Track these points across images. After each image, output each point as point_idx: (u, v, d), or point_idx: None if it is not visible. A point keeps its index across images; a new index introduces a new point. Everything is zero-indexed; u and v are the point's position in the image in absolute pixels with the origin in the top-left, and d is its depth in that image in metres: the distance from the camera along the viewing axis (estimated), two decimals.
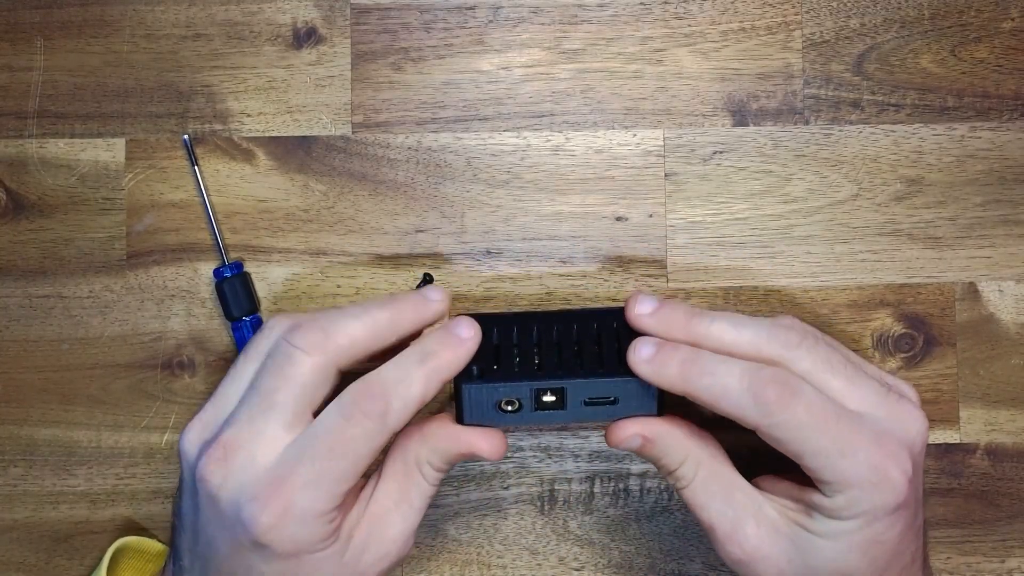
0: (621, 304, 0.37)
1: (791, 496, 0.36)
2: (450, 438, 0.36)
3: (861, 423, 0.34)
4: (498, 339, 0.36)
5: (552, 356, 0.36)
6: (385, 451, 0.36)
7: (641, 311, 0.35)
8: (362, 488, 0.36)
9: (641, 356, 0.34)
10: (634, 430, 0.36)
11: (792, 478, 0.36)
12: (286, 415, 0.33)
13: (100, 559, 0.41)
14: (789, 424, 0.33)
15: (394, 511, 0.35)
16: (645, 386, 0.35)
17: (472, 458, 0.36)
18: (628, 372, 0.35)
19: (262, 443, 0.33)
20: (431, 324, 0.36)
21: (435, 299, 0.36)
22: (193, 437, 0.35)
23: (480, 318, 0.36)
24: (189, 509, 0.35)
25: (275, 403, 0.33)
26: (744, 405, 0.33)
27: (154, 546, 0.43)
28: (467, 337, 0.35)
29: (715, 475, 0.36)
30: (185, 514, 0.35)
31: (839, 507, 0.34)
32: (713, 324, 0.35)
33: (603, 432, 0.44)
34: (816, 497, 0.35)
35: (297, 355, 0.33)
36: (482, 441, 0.36)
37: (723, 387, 0.33)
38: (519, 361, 0.36)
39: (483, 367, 0.36)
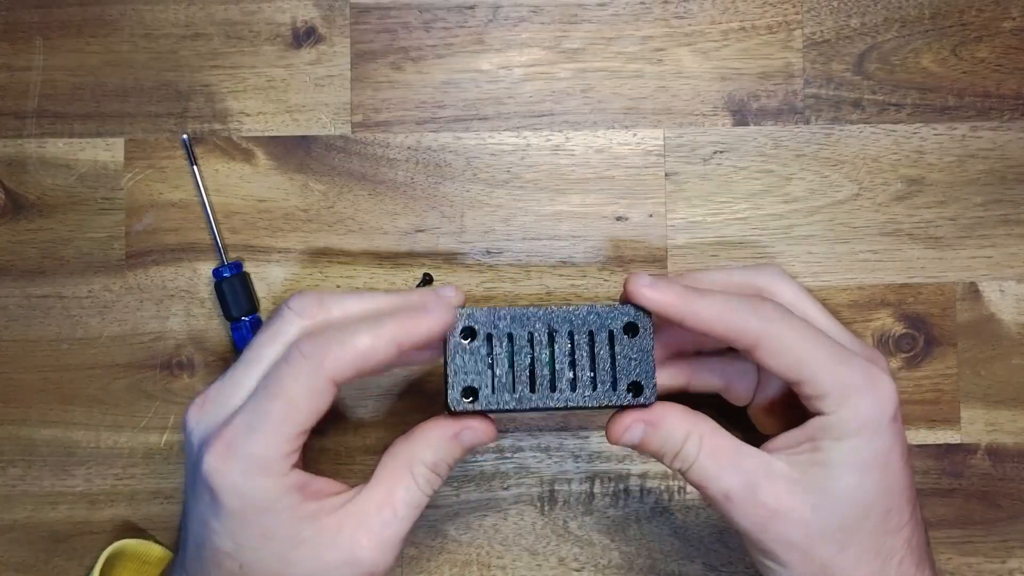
0: (614, 304, 0.37)
1: (794, 442, 0.35)
2: (441, 427, 0.35)
3: (849, 351, 0.35)
4: (490, 347, 0.36)
5: (548, 373, 0.36)
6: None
7: (641, 282, 0.35)
8: (348, 490, 0.35)
9: (642, 281, 0.35)
10: (634, 417, 0.36)
11: (788, 431, 0.36)
12: (263, 370, 0.34)
13: (94, 562, 0.41)
14: (789, 335, 0.34)
15: (374, 515, 0.34)
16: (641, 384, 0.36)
17: (465, 442, 0.35)
18: (621, 394, 0.36)
19: (236, 393, 0.34)
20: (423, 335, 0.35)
21: (448, 296, 0.35)
22: (194, 414, 0.35)
23: (477, 314, 0.36)
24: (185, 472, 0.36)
25: (258, 358, 0.34)
26: (746, 318, 0.34)
27: (152, 549, 0.43)
28: (432, 310, 0.34)
29: (719, 446, 0.35)
30: (186, 501, 0.36)
31: (844, 420, 0.34)
32: (702, 273, 0.37)
33: (604, 432, 0.44)
34: (819, 422, 0.35)
35: (288, 315, 0.34)
36: (473, 420, 0.35)
37: (724, 303, 0.34)
38: (513, 378, 0.36)
39: (473, 387, 0.35)
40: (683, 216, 0.44)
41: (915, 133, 0.44)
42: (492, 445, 0.43)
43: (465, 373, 0.35)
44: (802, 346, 0.34)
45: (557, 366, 0.36)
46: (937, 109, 0.44)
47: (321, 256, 0.44)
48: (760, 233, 0.44)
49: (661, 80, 0.44)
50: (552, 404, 0.36)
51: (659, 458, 0.36)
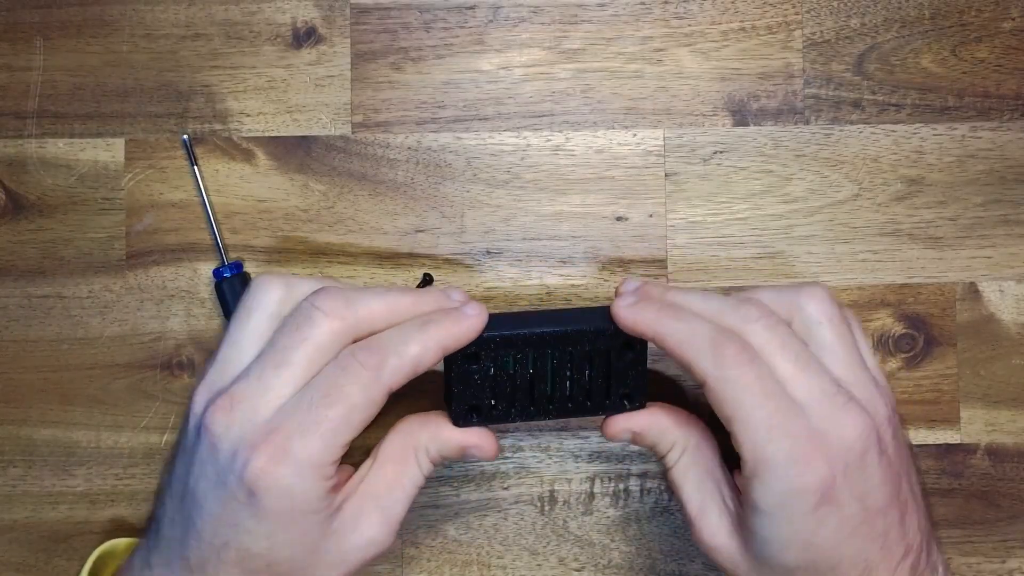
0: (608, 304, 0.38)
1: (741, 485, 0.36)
2: (452, 429, 0.37)
3: (798, 414, 0.34)
4: (492, 365, 0.37)
5: (547, 389, 0.38)
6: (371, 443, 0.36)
7: (622, 303, 0.37)
8: (356, 472, 0.37)
9: (623, 302, 0.36)
10: (624, 425, 0.38)
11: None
12: (296, 373, 0.34)
13: (83, 562, 0.41)
14: (736, 384, 0.34)
15: (385, 495, 0.36)
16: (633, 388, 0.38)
17: (468, 454, 0.37)
18: (617, 407, 0.38)
19: (268, 397, 0.34)
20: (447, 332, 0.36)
21: (457, 299, 0.37)
22: (201, 398, 0.35)
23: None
24: (182, 469, 0.35)
25: (287, 360, 0.34)
26: (702, 354, 0.34)
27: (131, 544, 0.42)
28: (472, 315, 0.36)
29: (696, 461, 0.38)
30: (176, 477, 0.35)
31: (757, 493, 0.34)
32: (686, 294, 0.37)
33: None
34: (744, 484, 0.35)
35: (317, 316, 0.34)
36: (479, 439, 0.37)
37: (689, 333, 0.35)
38: (510, 391, 0.38)
39: (476, 405, 0.37)
40: (683, 216, 0.44)
41: (915, 133, 0.44)
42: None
43: (469, 390, 0.37)
44: (743, 401, 0.34)
45: (555, 381, 0.38)
46: (937, 109, 0.44)
47: (321, 256, 0.44)
48: (760, 233, 0.44)
49: (661, 80, 0.44)
50: (551, 416, 0.38)
51: (652, 451, 0.39)
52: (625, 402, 0.38)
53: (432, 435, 0.37)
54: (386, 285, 0.40)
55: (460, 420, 0.37)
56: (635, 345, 0.37)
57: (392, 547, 0.36)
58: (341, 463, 0.35)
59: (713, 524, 0.37)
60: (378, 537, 0.35)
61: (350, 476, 0.36)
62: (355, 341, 0.35)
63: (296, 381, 0.34)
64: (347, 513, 0.35)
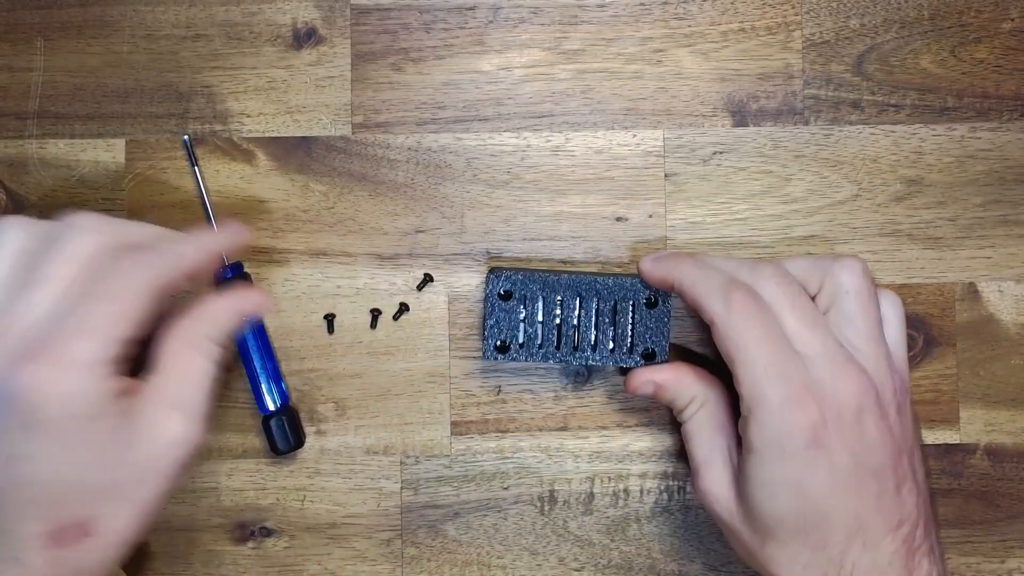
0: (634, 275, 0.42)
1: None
2: (218, 303, 0.36)
3: (797, 362, 0.36)
4: (523, 307, 0.42)
5: (572, 335, 0.42)
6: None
7: (649, 257, 0.40)
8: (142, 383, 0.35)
9: (648, 258, 0.40)
10: (647, 377, 0.41)
11: None
12: (54, 288, 0.33)
13: None
14: (741, 326, 0.36)
15: (176, 391, 0.34)
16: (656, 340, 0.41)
17: (241, 315, 0.36)
18: (637, 360, 0.42)
19: (25, 314, 0.33)
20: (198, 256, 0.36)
21: (231, 230, 0.38)
22: None
23: (515, 277, 0.41)
24: None
25: (41, 278, 0.33)
26: (713, 296, 0.37)
27: None
28: (239, 228, 0.38)
29: (710, 415, 0.40)
30: None
31: (751, 430, 0.36)
32: (709, 255, 0.40)
33: (604, 433, 0.44)
34: (742, 426, 0.37)
35: (73, 232, 0.34)
36: (241, 297, 0.37)
37: (704, 278, 0.38)
38: (537, 333, 0.42)
39: (505, 342, 0.42)
40: (683, 217, 0.44)
41: (914, 134, 0.44)
42: (491, 445, 0.44)
43: (499, 329, 0.41)
44: (747, 344, 0.36)
45: (582, 329, 0.41)
46: (936, 110, 0.44)
47: (321, 256, 0.44)
48: (760, 234, 0.44)
49: (661, 81, 0.44)
50: (573, 361, 0.42)
51: (670, 407, 0.41)
52: (644, 358, 0.41)
53: (205, 321, 0.35)
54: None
55: (487, 354, 0.41)
56: (659, 303, 0.41)
57: (199, 441, 0.34)
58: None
59: (715, 473, 0.39)
60: (180, 434, 0.33)
61: (136, 388, 0.34)
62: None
63: (56, 295, 0.33)
64: (140, 421, 0.33)
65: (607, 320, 0.41)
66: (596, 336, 0.41)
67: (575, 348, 0.42)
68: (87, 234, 0.34)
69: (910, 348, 0.44)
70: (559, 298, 0.41)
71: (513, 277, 0.41)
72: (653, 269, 0.40)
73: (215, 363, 0.35)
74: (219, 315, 0.36)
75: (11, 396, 0.31)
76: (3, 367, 0.32)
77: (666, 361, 0.41)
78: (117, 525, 0.33)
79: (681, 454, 0.44)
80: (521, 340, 0.42)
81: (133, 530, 0.33)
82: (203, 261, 0.35)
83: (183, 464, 0.34)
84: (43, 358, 0.31)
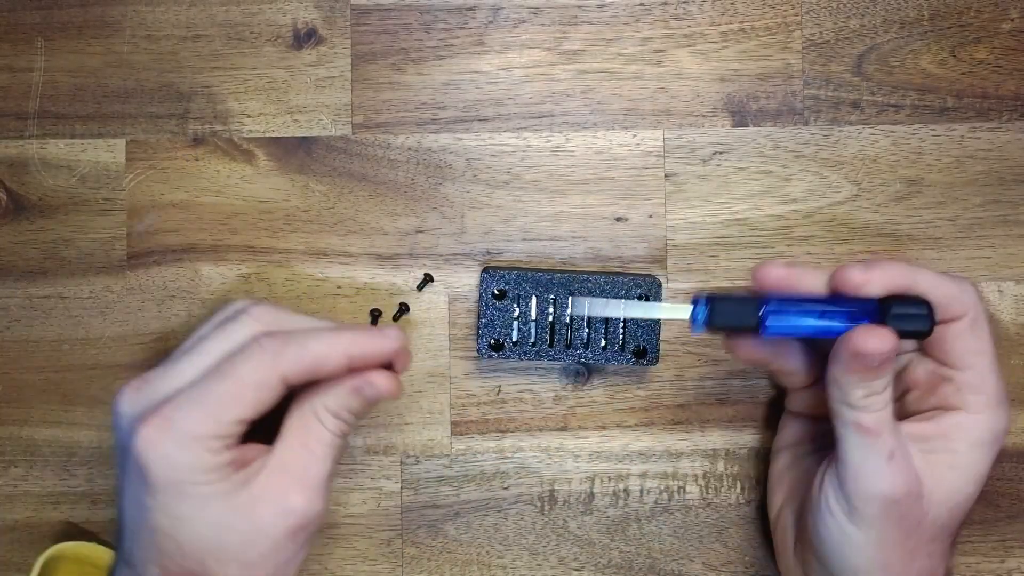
0: (630, 274, 0.39)
1: (924, 434, 0.37)
2: (342, 380, 0.36)
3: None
4: (517, 306, 0.42)
5: (565, 333, 0.42)
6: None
7: (858, 269, 0.36)
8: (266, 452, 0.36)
9: (857, 270, 0.35)
10: (890, 341, 0.34)
11: (916, 420, 0.37)
12: (205, 361, 0.35)
13: (30, 568, 0.40)
14: (984, 324, 0.37)
15: (294, 462, 0.35)
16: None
17: (365, 395, 0.36)
18: (627, 357, 0.42)
19: (173, 380, 0.35)
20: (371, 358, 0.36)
21: (391, 337, 0.36)
22: (129, 396, 0.35)
23: (508, 276, 0.42)
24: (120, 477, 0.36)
25: (201, 349, 0.35)
26: (964, 291, 0.36)
27: (97, 551, 0.42)
28: (390, 336, 0.36)
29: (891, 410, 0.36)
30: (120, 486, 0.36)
31: (984, 426, 0.36)
32: (916, 266, 0.37)
33: (604, 433, 0.44)
34: (958, 422, 0.37)
35: (243, 318, 0.36)
36: (376, 377, 0.36)
37: (940, 275, 0.36)
38: (531, 332, 0.42)
39: (499, 341, 0.42)
40: (683, 217, 0.44)
41: (914, 134, 0.44)
42: (492, 445, 0.44)
43: (493, 328, 0.42)
44: (989, 340, 0.37)
45: (575, 327, 0.42)
46: (936, 110, 0.44)
47: (322, 256, 0.44)
48: (759, 234, 0.44)
49: (661, 81, 0.44)
50: (566, 359, 0.42)
51: (853, 385, 0.35)
52: (635, 358, 0.42)
53: (326, 393, 0.36)
54: (332, 326, 0.38)
55: (482, 354, 0.42)
56: (650, 299, 0.42)
57: (320, 514, 0.35)
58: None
59: (916, 468, 0.37)
60: (296, 505, 0.34)
61: (262, 452, 0.35)
62: (289, 381, 0.35)
63: (199, 368, 0.34)
64: (256, 487, 0.34)
65: (599, 318, 0.42)
66: (589, 334, 0.42)
67: (568, 346, 0.42)
68: (252, 323, 0.35)
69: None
70: (552, 297, 0.42)
71: (507, 276, 0.42)
72: (879, 271, 0.35)
73: (339, 437, 0.36)
74: (346, 392, 0.36)
75: (132, 452, 0.33)
76: (131, 422, 0.34)
77: (655, 361, 0.42)
78: None
79: (681, 454, 0.44)
80: (515, 338, 0.42)
81: None
82: (340, 366, 0.35)
83: (300, 533, 0.35)
84: (155, 423, 0.33)
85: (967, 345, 0.36)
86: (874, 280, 0.35)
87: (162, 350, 0.44)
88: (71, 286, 0.44)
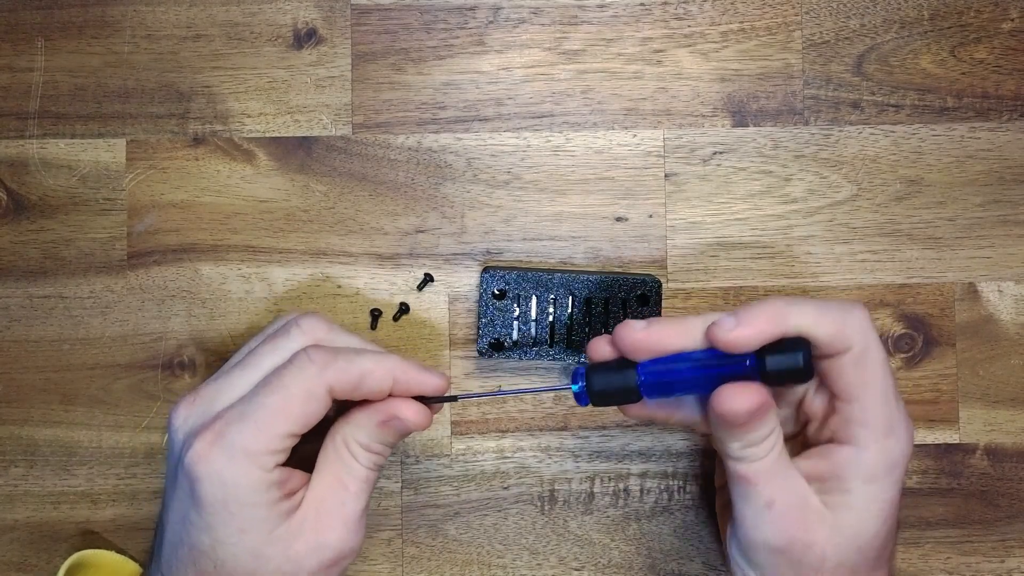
0: (630, 274, 0.42)
1: (818, 473, 0.35)
2: (372, 410, 0.35)
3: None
4: (517, 305, 0.42)
5: (565, 332, 0.42)
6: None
7: (636, 329, 0.34)
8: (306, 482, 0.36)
9: (726, 327, 0.33)
10: (754, 399, 0.33)
11: (812, 455, 0.36)
12: (257, 375, 0.35)
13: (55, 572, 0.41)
14: (873, 354, 0.34)
15: (329, 498, 0.35)
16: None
17: (396, 427, 0.35)
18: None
19: (226, 393, 0.35)
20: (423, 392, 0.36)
21: (437, 376, 0.36)
22: (183, 410, 0.35)
23: (508, 276, 0.42)
24: (170, 486, 0.36)
25: (253, 364, 0.35)
26: (848, 322, 0.34)
27: (113, 559, 0.42)
28: (435, 375, 0.36)
29: (782, 454, 0.35)
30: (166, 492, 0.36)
31: (875, 460, 0.34)
32: (794, 305, 0.35)
33: (604, 433, 0.44)
34: (848, 457, 0.35)
35: (294, 332, 0.36)
36: (405, 409, 0.35)
37: (822, 305, 0.34)
38: (530, 331, 0.42)
39: (499, 340, 0.42)
40: (683, 217, 0.44)
41: (914, 134, 0.44)
42: (492, 445, 0.44)
43: (493, 327, 0.42)
44: (876, 370, 0.34)
45: (575, 327, 0.42)
46: (936, 110, 0.44)
47: (322, 256, 0.44)
48: (760, 234, 0.44)
49: (661, 81, 0.44)
50: (566, 359, 0.42)
51: (723, 439, 0.35)
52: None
53: (355, 427, 0.36)
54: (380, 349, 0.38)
55: (483, 354, 0.42)
56: (650, 299, 0.41)
57: (356, 548, 0.35)
58: (293, 468, 0.35)
59: (804, 521, 0.36)
60: (332, 541, 0.35)
61: (301, 484, 0.35)
62: (335, 395, 0.35)
63: (250, 381, 0.35)
64: (294, 522, 0.34)
65: (600, 318, 0.42)
66: (589, 334, 0.42)
67: (568, 346, 0.42)
68: (301, 335, 0.36)
69: (910, 348, 0.44)
70: (552, 296, 0.42)
71: (507, 276, 0.42)
72: (747, 325, 0.33)
73: (373, 470, 0.36)
74: (375, 427, 0.36)
75: (184, 467, 0.33)
76: (185, 437, 0.34)
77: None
78: None
79: (681, 454, 0.44)
80: (515, 338, 0.42)
81: None
82: (384, 386, 0.35)
83: (333, 568, 0.35)
84: (207, 438, 0.33)
85: (852, 378, 0.34)
86: (744, 336, 0.33)
87: (162, 350, 0.44)
88: (71, 286, 0.44)
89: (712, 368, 0.34)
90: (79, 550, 0.42)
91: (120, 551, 0.43)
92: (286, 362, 0.34)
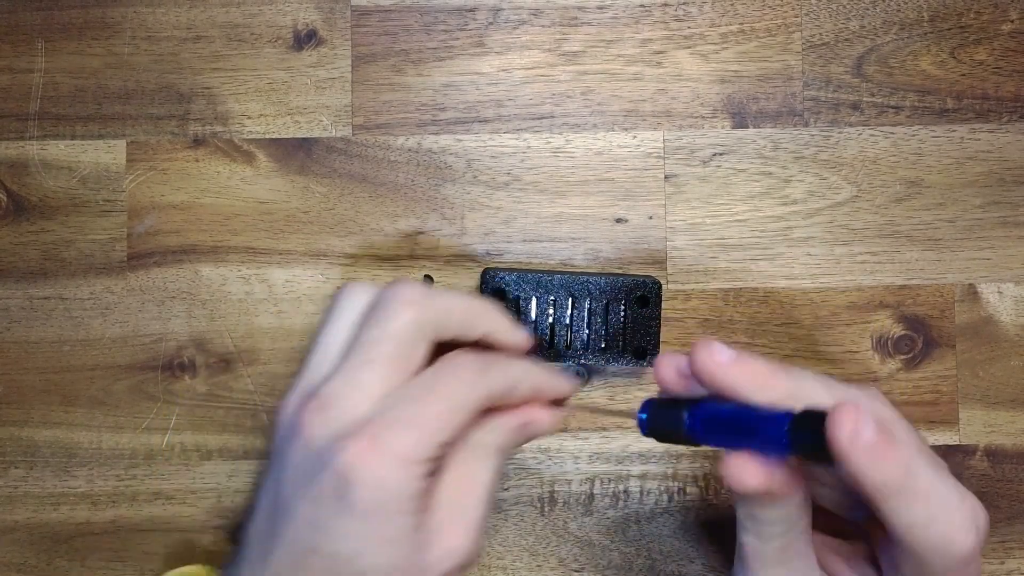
0: (629, 275, 0.42)
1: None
2: (511, 415, 0.35)
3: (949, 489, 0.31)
4: (517, 306, 0.42)
5: (566, 333, 0.42)
6: None
7: (719, 359, 0.31)
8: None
9: (718, 358, 0.31)
10: (759, 479, 0.30)
11: (841, 550, 0.34)
12: (386, 370, 0.33)
13: None
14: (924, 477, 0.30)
15: (459, 504, 0.34)
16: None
17: (534, 433, 0.35)
18: (628, 358, 0.42)
19: (360, 394, 0.33)
20: (506, 339, 0.36)
21: (521, 334, 0.36)
22: (292, 404, 0.34)
23: (508, 278, 0.42)
24: (272, 483, 0.34)
25: (372, 356, 0.33)
26: (847, 441, 0.28)
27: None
28: (571, 383, 0.35)
29: (791, 546, 0.33)
30: (265, 492, 0.35)
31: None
32: (802, 377, 0.31)
33: (604, 435, 0.44)
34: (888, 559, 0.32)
35: (395, 306, 0.34)
36: (543, 414, 0.35)
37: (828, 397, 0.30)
38: (536, 335, 0.42)
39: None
40: (683, 218, 0.44)
41: (914, 135, 0.44)
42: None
43: None
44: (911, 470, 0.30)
45: (574, 328, 0.42)
46: (936, 111, 0.44)
47: (322, 258, 0.44)
48: (759, 235, 0.44)
49: (661, 83, 0.44)
50: (566, 360, 0.42)
51: (737, 502, 0.33)
52: (635, 359, 0.41)
53: (489, 431, 0.35)
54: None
55: None
56: (650, 301, 0.41)
57: (478, 555, 0.35)
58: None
59: None
60: (458, 546, 0.34)
61: (432, 490, 0.35)
62: (436, 336, 0.34)
63: (384, 377, 0.33)
64: (427, 529, 0.33)
65: (599, 319, 0.42)
66: (589, 335, 0.42)
67: (568, 347, 0.42)
68: (405, 308, 0.34)
69: (910, 349, 0.44)
70: (552, 298, 0.42)
71: (506, 277, 0.42)
72: (732, 374, 0.31)
73: (497, 476, 0.35)
74: (511, 430, 0.35)
75: (333, 470, 0.32)
76: (330, 441, 0.32)
77: (655, 356, 0.41)
78: None
79: (681, 456, 0.44)
80: None
81: None
82: (526, 397, 0.34)
83: (454, 574, 0.34)
84: (369, 442, 0.32)
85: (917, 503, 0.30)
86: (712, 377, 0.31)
87: (162, 351, 0.44)
88: (71, 287, 0.44)
89: (747, 422, 0.30)
90: (173, 567, 0.42)
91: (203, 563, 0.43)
92: (442, 369, 0.33)
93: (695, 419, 0.31)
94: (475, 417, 0.33)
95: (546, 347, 0.42)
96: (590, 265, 0.44)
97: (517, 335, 0.36)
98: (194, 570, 0.42)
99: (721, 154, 0.44)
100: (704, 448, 0.44)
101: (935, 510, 0.30)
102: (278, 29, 0.44)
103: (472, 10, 0.44)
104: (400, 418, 0.32)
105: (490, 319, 0.35)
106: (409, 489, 0.32)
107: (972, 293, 0.44)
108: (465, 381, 0.33)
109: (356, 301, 0.35)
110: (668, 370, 0.33)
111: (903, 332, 0.44)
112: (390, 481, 0.32)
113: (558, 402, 0.36)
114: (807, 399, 0.30)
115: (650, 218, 0.44)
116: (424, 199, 0.44)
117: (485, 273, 0.42)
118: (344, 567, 0.33)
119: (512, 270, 0.42)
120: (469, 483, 0.34)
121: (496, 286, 0.42)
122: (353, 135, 0.44)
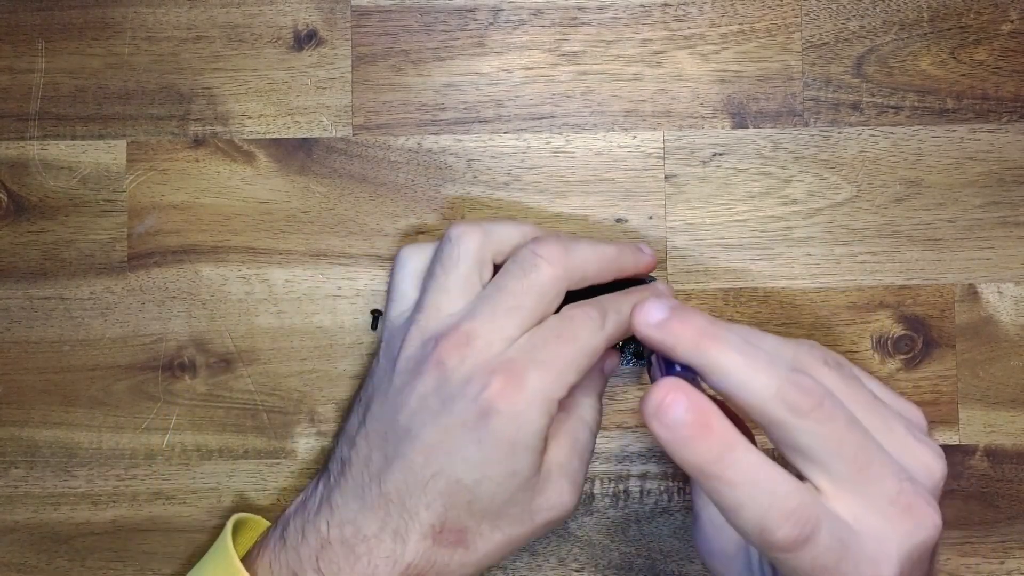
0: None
1: None
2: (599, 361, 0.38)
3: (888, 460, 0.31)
4: None
5: None
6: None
7: (651, 319, 0.31)
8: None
9: (650, 319, 0.31)
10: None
11: None
12: (525, 316, 0.36)
13: (223, 530, 0.39)
14: (816, 432, 0.29)
15: (566, 461, 0.37)
16: None
17: (607, 379, 0.40)
18: (626, 358, 0.42)
19: (502, 335, 0.35)
20: (639, 274, 0.39)
21: (647, 253, 0.40)
22: (416, 339, 0.36)
23: None
24: (387, 410, 0.36)
25: (520, 305, 0.36)
26: (770, 398, 0.29)
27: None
28: (660, 293, 0.39)
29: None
30: (374, 418, 0.37)
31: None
32: (731, 331, 0.30)
33: (604, 434, 0.44)
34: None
35: (541, 263, 0.36)
36: (612, 356, 0.40)
37: (749, 369, 0.29)
38: None
39: None
40: (683, 218, 0.44)
41: (914, 135, 0.44)
42: None
43: None
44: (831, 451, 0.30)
45: None
46: (936, 111, 0.44)
47: (322, 258, 0.44)
48: (759, 235, 0.44)
49: (660, 83, 0.44)
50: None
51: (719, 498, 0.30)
52: (634, 356, 0.42)
53: (582, 387, 0.38)
54: (584, 237, 0.39)
55: None
56: None
57: (574, 510, 0.37)
58: None
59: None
60: (566, 502, 0.36)
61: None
62: (572, 288, 0.37)
63: (524, 324, 0.36)
64: (542, 476, 0.36)
65: None
66: None
67: None
68: (550, 267, 0.36)
69: (910, 349, 0.44)
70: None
71: None
72: (664, 339, 0.30)
73: (595, 417, 0.39)
74: (597, 378, 0.39)
75: (473, 400, 0.34)
76: (469, 375, 0.35)
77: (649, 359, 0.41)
78: (487, 549, 0.36)
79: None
80: None
81: (492, 560, 0.36)
82: (620, 329, 0.37)
83: (554, 525, 0.37)
84: (510, 379, 0.34)
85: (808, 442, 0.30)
86: (655, 338, 0.31)
87: (162, 352, 0.44)
88: (72, 287, 0.44)
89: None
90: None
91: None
92: (568, 315, 0.36)
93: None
94: (600, 356, 0.36)
95: None
96: None
97: (643, 262, 0.39)
98: (258, 520, 0.42)
99: (721, 154, 0.44)
100: None
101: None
102: (278, 29, 0.44)
103: (472, 10, 0.44)
104: (538, 359, 0.35)
105: (619, 265, 0.38)
106: (539, 427, 0.35)
107: (972, 293, 0.44)
108: (590, 329, 0.36)
109: (472, 243, 0.37)
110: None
111: (903, 332, 0.44)
112: (527, 416, 0.34)
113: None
114: (725, 365, 0.29)
115: (650, 218, 0.44)
116: (424, 199, 0.44)
117: None
118: (462, 494, 0.35)
119: None
120: (575, 441, 0.38)
121: None
122: (353, 135, 0.44)
